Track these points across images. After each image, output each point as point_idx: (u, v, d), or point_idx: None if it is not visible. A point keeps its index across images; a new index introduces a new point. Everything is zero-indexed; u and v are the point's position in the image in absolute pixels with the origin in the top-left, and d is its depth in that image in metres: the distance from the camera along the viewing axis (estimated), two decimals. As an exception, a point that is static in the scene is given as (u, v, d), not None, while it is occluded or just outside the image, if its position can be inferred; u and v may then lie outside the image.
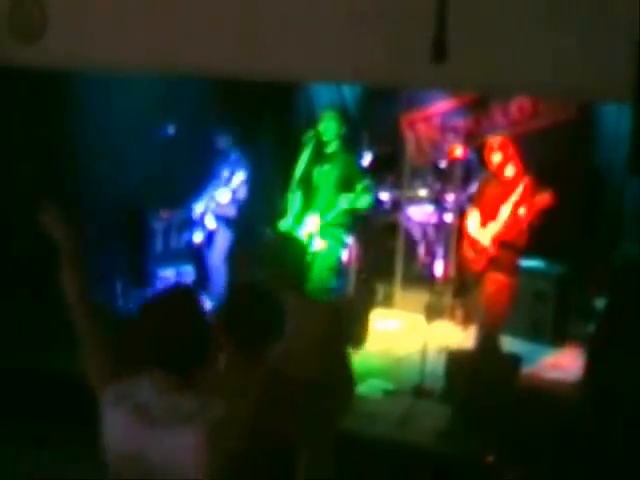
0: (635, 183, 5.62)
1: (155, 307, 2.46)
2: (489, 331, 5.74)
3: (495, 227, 5.66)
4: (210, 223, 7.07)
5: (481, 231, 5.73)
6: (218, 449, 2.30)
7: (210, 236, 7.13)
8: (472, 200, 6.18)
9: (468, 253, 5.81)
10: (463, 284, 6.18)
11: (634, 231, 5.67)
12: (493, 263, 5.67)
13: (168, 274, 7.55)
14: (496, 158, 5.69)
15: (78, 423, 3.29)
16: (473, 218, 5.85)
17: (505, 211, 5.63)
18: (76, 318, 2.54)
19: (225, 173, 6.94)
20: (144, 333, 2.39)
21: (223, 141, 6.90)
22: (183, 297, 2.49)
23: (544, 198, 5.49)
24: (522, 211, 5.51)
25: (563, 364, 6.25)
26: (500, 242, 5.64)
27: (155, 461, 2.32)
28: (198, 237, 7.20)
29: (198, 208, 7.12)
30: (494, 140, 5.81)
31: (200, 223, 7.14)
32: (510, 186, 5.67)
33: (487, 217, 5.74)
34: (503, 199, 5.67)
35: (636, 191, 5.92)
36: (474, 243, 5.77)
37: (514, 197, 5.62)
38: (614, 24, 3.99)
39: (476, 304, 5.91)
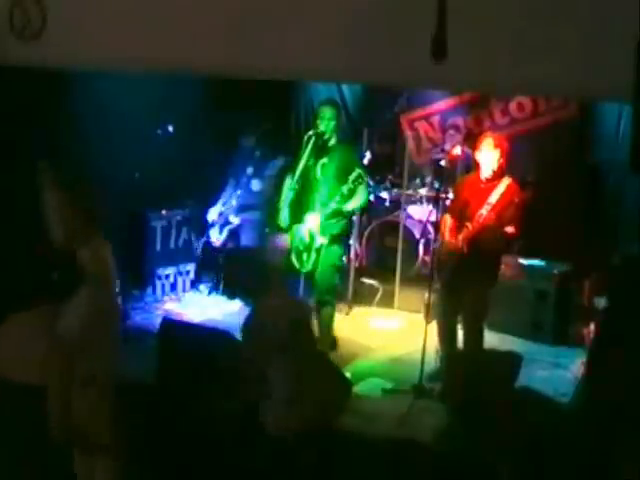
0: (635, 182, 5.63)
1: None
2: (477, 329, 5.71)
3: (470, 227, 5.50)
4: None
5: (455, 234, 5.59)
6: None
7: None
8: (449, 204, 6.01)
9: (446, 254, 5.70)
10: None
11: (634, 231, 5.67)
12: (471, 264, 5.52)
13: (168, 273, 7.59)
14: (487, 155, 5.53)
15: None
16: (446, 222, 5.73)
17: (482, 212, 5.47)
18: None
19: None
20: None
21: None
22: None
23: (521, 196, 5.40)
24: (500, 212, 5.38)
25: (560, 363, 6.25)
26: (475, 243, 5.48)
27: None
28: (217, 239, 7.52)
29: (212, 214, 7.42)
30: (489, 137, 5.67)
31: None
32: (491, 185, 5.54)
33: (463, 217, 5.60)
34: (482, 198, 5.52)
35: (636, 191, 5.93)
36: (449, 245, 5.63)
37: (494, 197, 5.49)
38: (614, 24, 3.98)
39: (459, 303, 5.87)
